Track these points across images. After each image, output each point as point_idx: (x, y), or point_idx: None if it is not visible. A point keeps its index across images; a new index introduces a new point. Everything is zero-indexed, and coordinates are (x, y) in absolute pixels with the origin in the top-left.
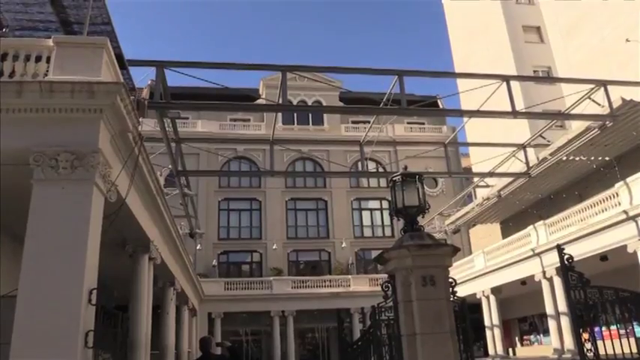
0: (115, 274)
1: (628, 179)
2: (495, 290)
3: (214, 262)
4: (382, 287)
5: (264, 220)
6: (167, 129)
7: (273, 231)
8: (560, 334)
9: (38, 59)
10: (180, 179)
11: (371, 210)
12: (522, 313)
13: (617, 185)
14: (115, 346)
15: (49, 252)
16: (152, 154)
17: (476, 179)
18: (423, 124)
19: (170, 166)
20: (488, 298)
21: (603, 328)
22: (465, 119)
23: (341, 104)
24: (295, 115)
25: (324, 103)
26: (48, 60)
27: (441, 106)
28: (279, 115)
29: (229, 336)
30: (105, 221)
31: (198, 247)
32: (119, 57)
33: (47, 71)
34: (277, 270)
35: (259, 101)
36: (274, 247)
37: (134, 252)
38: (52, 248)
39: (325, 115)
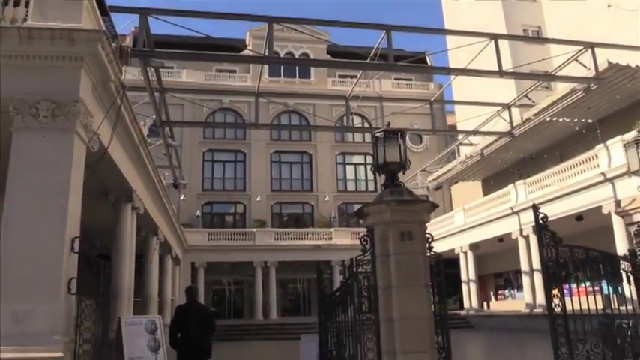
0: (97, 223)
1: (608, 142)
2: (473, 246)
3: (198, 213)
4: (361, 241)
5: (248, 172)
6: (151, 78)
7: (257, 183)
8: (533, 289)
9: (17, 4)
10: (164, 130)
11: (355, 165)
12: (498, 269)
13: (597, 148)
14: (98, 293)
15: (31, 200)
16: (135, 104)
17: (460, 137)
18: (411, 80)
19: (154, 117)
20: (466, 253)
21: (574, 286)
22: (452, 77)
23: (329, 57)
24: (282, 67)
25: (312, 56)
26: (27, 5)
27: (429, 63)
28: (266, 67)
29: (212, 285)
30: (87, 171)
31: (182, 198)
32: (100, 3)
33: (26, 17)
34: (260, 222)
35: (245, 52)
36: (258, 199)
37: (117, 201)
38: (34, 196)
39: (312, 69)
